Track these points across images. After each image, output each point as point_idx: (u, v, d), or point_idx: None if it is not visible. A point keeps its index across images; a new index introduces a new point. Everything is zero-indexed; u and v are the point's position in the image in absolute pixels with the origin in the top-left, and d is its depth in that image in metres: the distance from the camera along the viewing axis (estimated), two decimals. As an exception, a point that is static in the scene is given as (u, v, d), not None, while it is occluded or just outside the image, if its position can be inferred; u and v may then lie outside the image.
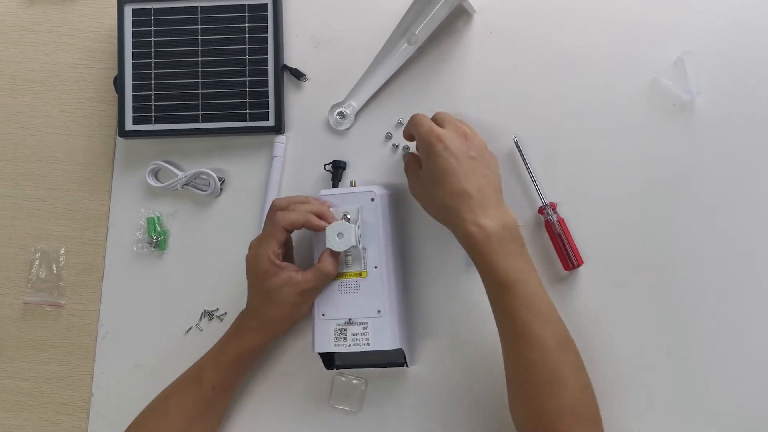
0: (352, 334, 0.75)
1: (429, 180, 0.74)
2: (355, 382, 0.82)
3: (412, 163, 0.77)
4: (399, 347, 0.75)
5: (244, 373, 0.82)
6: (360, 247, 0.76)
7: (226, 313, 0.86)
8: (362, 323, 0.75)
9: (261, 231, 0.83)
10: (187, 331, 0.86)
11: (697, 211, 0.78)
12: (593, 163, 0.80)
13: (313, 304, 0.78)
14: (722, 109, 0.78)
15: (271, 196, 0.85)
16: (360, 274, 0.77)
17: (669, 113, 0.79)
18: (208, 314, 0.86)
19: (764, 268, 0.77)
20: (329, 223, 0.76)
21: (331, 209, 0.78)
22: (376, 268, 0.77)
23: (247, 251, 0.78)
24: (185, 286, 0.87)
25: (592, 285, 0.79)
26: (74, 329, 0.89)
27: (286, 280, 0.76)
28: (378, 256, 0.77)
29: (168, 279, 0.88)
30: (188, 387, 0.80)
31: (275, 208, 0.77)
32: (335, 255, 0.77)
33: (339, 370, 0.81)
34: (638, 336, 0.78)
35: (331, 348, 0.76)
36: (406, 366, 0.79)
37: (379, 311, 0.75)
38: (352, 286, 0.77)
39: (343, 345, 0.75)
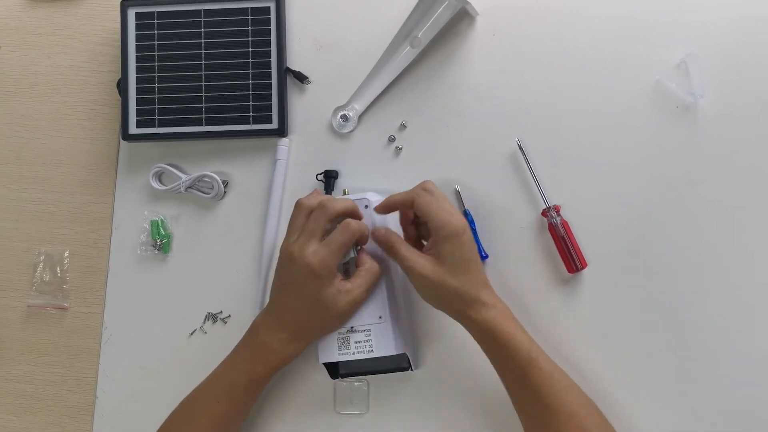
0: (356, 342, 0.75)
1: (450, 266, 0.70)
2: (356, 384, 0.82)
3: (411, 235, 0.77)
4: (402, 352, 0.76)
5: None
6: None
7: (230, 315, 0.86)
8: (364, 330, 0.75)
9: (267, 230, 0.83)
10: (191, 334, 0.86)
11: (701, 214, 0.78)
12: (596, 166, 0.80)
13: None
14: (726, 111, 0.78)
15: (275, 199, 0.85)
16: None
17: (672, 115, 0.79)
18: (212, 317, 0.86)
19: (768, 270, 0.77)
20: (360, 216, 0.76)
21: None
22: None
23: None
24: (189, 289, 0.87)
25: (596, 288, 0.79)
26: (78, 332, 0.89)
27: (339, 289, 0.72)
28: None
29: (172, 282, 0.88)
30: (219, 402, 0.75)
31: (322, 204, 0.73)
32: (368, 253, 0.76)
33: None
34: (642, 338, 0.78)
35: (335, 357, 0.76)
36: (411, 370, 0.79)
37: (380, 317, 0.75)
38: None
39: (347, 353, 0.75)
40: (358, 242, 0.76)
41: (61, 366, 0.89)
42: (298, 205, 0.75)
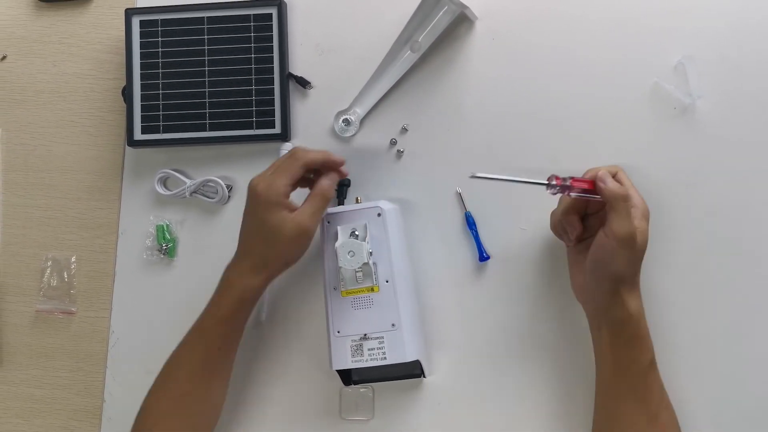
0: (369, 349, 0.76)
1: (612, 245, 0.68)
2: (362, 390, 0.83)
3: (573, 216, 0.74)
4: (416, 359, 0.76)
5: (244, 326, 0.79)
6: (370, 262, 0.77)
7: (235, 318, 0.87)
8: (378, 338, 0.76)
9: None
10: (197, 337, 0.87)
11: (699, 215, 0.79)
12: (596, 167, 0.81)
13: (309, 243, 0.76)
14: (723, 112, 0.79)
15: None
16: (372, 289, 0.78)
17: (670, 117, 0.80)
18: (218, 320, 0.87)
19: None
20: (345, 173, 0.78)
21: (338, 227, 0.79)
22: (387, 282, 0.77)
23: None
24: (195, 293, 0.86)
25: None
26: (86, 336, 0.90)
27: (286, 215, 0.74)
28: (388, 270, 0.78)
29: (178, 286, 0.89)
30: (193, 352, 0.77)
31: (293, 151, 0.76)
32: (331, 176, 0.77)
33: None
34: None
35: (348, 364, 0.76)
36: (424, 377, 0.79)
37: (393, 325, 0.76)
38: (365, 301, 0.78)
39: (361, 360, 0.76)
40: (319, 170, 0.78)
41: (68, 370, 0.90)
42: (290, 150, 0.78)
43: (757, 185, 0.78)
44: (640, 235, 0.69)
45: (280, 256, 0.77)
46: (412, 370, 0.79)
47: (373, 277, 0.78)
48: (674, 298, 0.78)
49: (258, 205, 0.74)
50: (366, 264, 0.76)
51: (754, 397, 0.77)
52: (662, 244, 0.78)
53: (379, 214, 0.78)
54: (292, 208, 0.75)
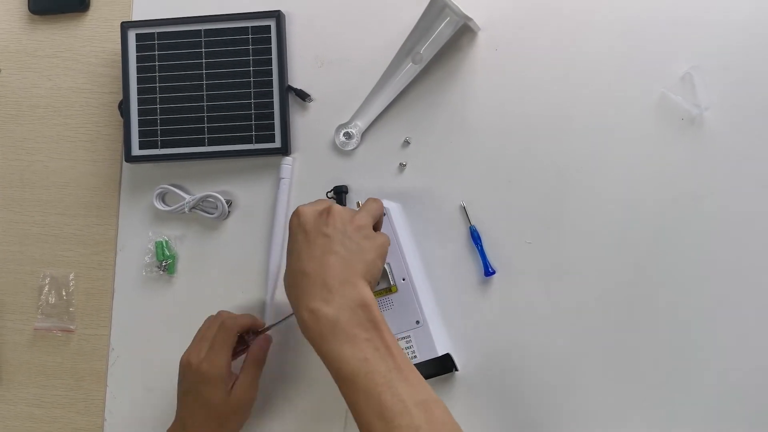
0: None
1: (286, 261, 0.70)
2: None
3: None
4: (447, 352, 0.75)
5: None
6: (384, 264, 0.75)
7: (236, 335, 0.86)
8: (405, 337, 0.75)
9: (272, 249, 0.84)
10: (198, 354, 0.86)
11: (707, 227, 0.77)
12: (601, 179, 0.80)
13: (251, 409, 0.79)
14: (731, 123, 0.78)
15: (280, 218, 0.85)
16: (390, 290, 0.77)
17: (678, 128, 0.79)
18: (219, 338, 0.86)
19: (777, 282, 0.76)
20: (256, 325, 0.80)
21: None
22: (404, 280, 0.77)
23: (224, 312, 0.80)
24: (195, 310, 0.86)
25: (602, 302, 0.79)
26: (85, 354, 0.89)
27: (235, 394, 0.76)
28: (402, 268, 0.77)
29: (178, 302, 0.88)
30: None
31: (222, 315, 0.78)
32: (259, 343, 0.79)
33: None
34: (647, 354, 0.78)
35: None
36: (456, 370, 0.78)
37: (417, 322, 0.75)
38: (385, 303, 0.77)
39: None
40: (248, 332, 0.80)
41: (68, 388, 0.89)
42: (205, 320, 0.80)
43: (765, 197, 0.77)
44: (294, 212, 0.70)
45: (230, 427, 0.78)
46: (443, 366, 0.78)
47: (389, 277, 0.77)
48: (681, 311, 0.77)
49: (201, 383, 0.75)
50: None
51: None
52: (668, 255, 0.77)
53: (384, 214, 0.77)
54: (232, 379, 0.77)
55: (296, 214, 0.70)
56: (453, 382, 0.81)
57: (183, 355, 0.78)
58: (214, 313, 0.83)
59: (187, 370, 0.77)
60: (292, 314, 0.68)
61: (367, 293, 0.66)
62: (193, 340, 0.79)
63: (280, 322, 0.79)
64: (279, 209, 0.85)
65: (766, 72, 0.78)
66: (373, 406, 0.61)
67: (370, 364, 0.62)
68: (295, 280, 0.67)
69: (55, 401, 0.89)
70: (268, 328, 0.80)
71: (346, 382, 0.63)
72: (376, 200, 0.75)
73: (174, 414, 0.80)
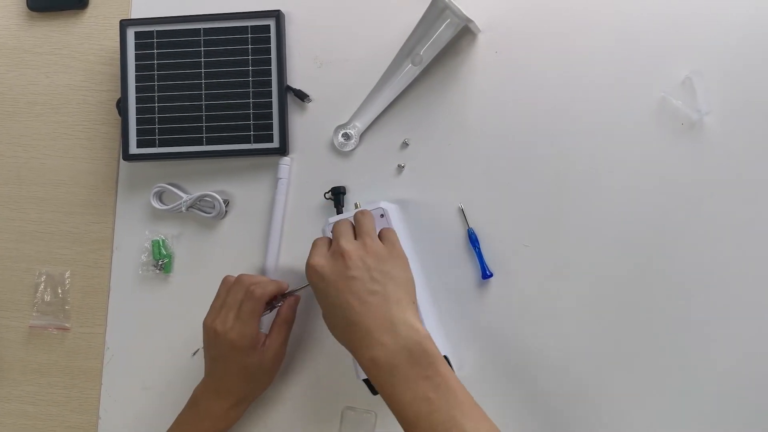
0: None
1: (323, 313, 0.72)
2: (365, 414, 0.82)
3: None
4: (444, 354, 0.74)
5: None
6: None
7: (232, 335, 0.86)
8: None
9: (269, 249, 0.84)
10: (194, 354, 0.86)
11: (706, 231, 0.78)
12: (602, 183, 0.80)
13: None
14: (732, 128, 0.78)
15: (277, 218, 0.84)
16: None
17: (678, 132, 0.79)
18: (215, 337, 0.86)
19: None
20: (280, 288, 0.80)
21: None
22: None
23: (243, 280, 0.78)
24: (191, 309, 0.86)
25: (602, 304, 0.79)
26: (80, 352, 0.89)
27: (261, 353, 0.77)
28: None
29: (174, 301, 0.87)
30: None
31: (246, 281, 0.78)
32: (289, 304, 0.80)
33: (349, 406, 0.81)
34: (650, 355, 0.78)
35: None
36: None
37: None
38: None
39: None
40: (274, 300, 0.80)
41: (63, 387, 0.89)
42: (223, 281, 0.80)
43: (765, 201, 0.77)
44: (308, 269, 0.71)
45: (261, 387, 0.81)
46: None
47: None
48: (684, 313, 0.77)
49: (232, 350, 0.76)
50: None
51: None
52: (670, 259, 0.78)
53: (382, 215, 0.77)
54: (261, 339, 0.78)
55: (311, 269, 0.71)
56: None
57: (206, 319, 0.78)
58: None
59: (214, 337, 0.77)
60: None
61: (419, 327, 0.67)
62: (213, 304, 0.79)
63: (305, 287, 0.79)
64: (276, 209, 0.85)
65: (765, 77, 0.77)
66: None
67: (433, 404, 0.63)
68: (344, 334, 0.69)
69: (50, 399, 0.89)
70: (293, 292, 0.81)
71: (411, 424, 0.64)
72: (364, 212, 0.76)
73: (172, 414, 0.80)
